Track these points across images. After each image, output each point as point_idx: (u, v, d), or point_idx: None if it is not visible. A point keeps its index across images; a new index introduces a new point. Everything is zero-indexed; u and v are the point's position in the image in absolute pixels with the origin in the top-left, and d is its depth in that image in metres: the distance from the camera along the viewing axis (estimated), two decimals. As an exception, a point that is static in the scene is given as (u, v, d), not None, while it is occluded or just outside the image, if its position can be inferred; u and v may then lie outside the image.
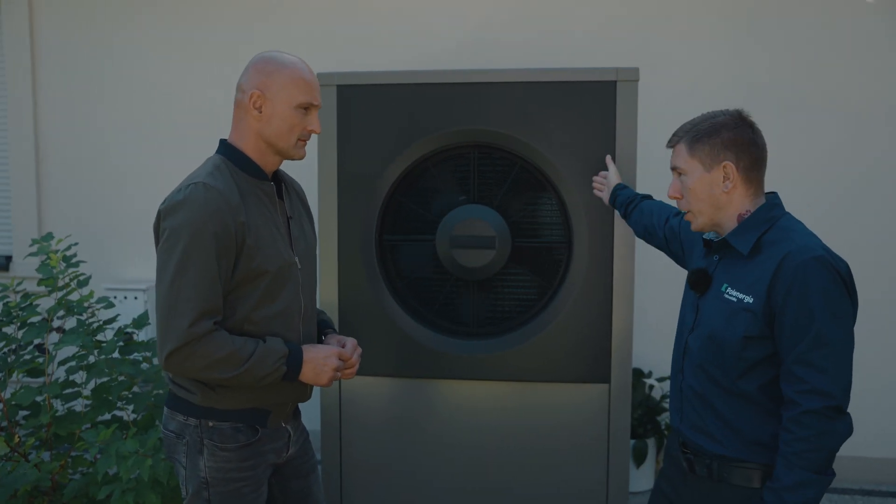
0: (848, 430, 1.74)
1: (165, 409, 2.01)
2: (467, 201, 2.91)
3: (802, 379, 1.72)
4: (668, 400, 3.90)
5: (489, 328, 2.95)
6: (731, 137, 1.85)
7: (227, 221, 1.83)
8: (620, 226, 2.80)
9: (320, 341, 2.14)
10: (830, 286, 1.73)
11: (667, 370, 3.91)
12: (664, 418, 3.91)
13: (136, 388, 2.73)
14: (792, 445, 1.72)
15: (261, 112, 1.92)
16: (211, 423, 1.92)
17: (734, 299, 1.84)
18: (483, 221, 2.84)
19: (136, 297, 4.22)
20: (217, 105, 4.15)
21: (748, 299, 1.81)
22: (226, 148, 1.98)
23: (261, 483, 1.97)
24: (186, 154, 4.20)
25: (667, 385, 3.96)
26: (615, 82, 2.78)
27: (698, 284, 1.94)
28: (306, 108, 1.96)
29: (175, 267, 1.80)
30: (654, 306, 3.89)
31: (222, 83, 4.14)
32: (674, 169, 1.94)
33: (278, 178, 2.07)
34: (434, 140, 2.87)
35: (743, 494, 1.83)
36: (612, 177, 2.68)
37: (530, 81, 2.81)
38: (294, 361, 1.91)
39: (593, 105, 2.78)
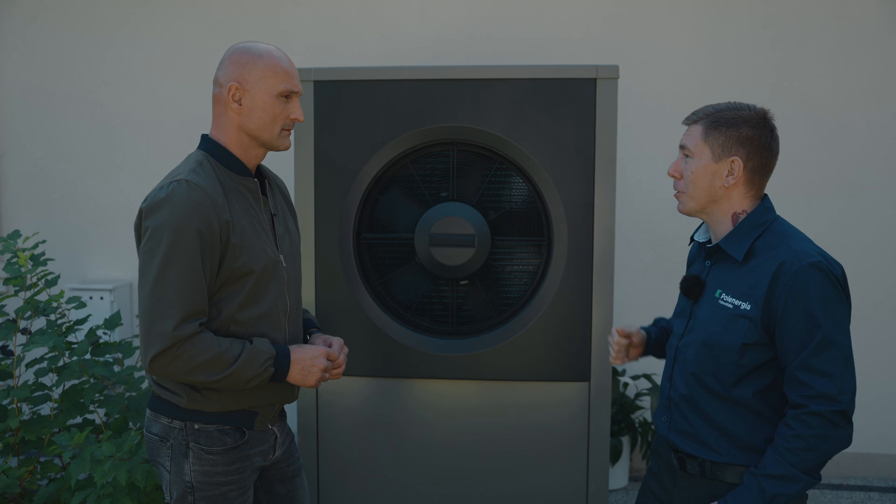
0: (847, 441, 1.73)
1: (148, 411, 1.95)
2: (447, 199, 2.88)
3: (808, 384, 1.71)
4: (642, 398, 3.91)
5: (468, 327, 2.92)
6: (750, 134, 1.82)
7: (212, 219, 1.78)
8: (600, 223, 2.80)
9: (305, 341, 2.10)
10: (829, 291, 1.73)
11: (641, 369, 3.93)
12: (639, 416, 3.93)
13: (108, 391, 2.65)
14: (789, 441, 1.72)
15: (241, 105, 1.87)
16: (197, 426, 1.87)
17: (730, 305, 1.82)
18: (462, 219, 2.82)
19: (101, 298, 4.12)
20: (183, 101, 4.08)
21: (745, 305, 1.79)
22: (207, 143, 1.92)
23: (247, 487, 1.92)
24: (153, 151, 4.14)
25: (641, 383, 3.98)
26: (595, 80, 2.77)
27: (691, 291, 1.92)
28: (287, 95, 1.91)
29: (158, 267, 1.75)
30: (630, 304, 3.90)
31: (188, 77, 4.06)
32: (682, 147, 1.90)
33: (261, 174, 2.02)
34: (413, 137, 2.84)
35: None
36: (632, 330, 2.15)
37: (510, 78, 2.79)
38: (281, 362, 1.87)
39: (573, 102, 2.77)
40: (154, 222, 1.78)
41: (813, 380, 1.71)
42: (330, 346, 2.01)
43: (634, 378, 3.92)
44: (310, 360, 1.91)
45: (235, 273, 1.83)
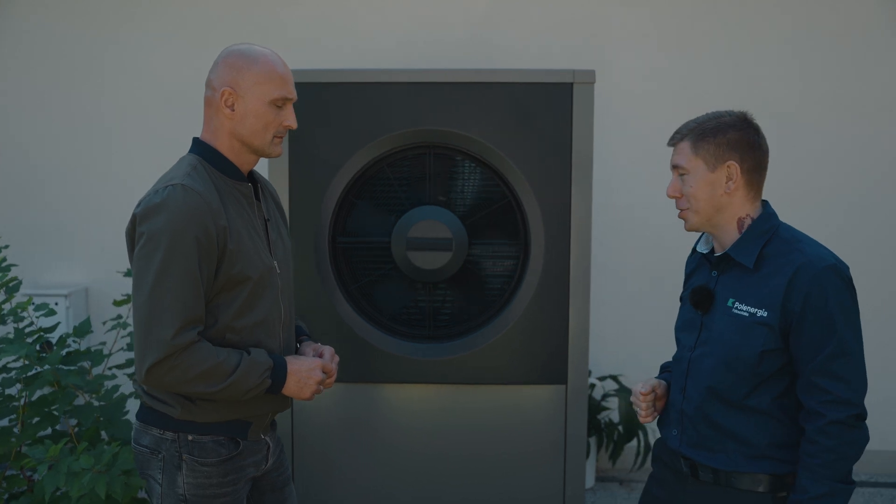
0: (866, 439, 1.77)
1: (137, 422, 1.89)
2: (424, 202, 2.86)
3: (826, 389, 1.73)
4: (609, 399, 3.95)
5: (446, 331, 2.91)
6: (737, 137, 1.83)
7: (209, 225, 1.74)
8: (577, 226, 2.81)
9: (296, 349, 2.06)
10: (846, 296, 1.76)
11: (608, 370, 3.96)
12: (605, 416, 3.96)
13: (77, 401, 2.57)
14: (817, 457, 1.73)
15: (233, 110, 1.82)
16: (191, 437, 1.82)
17: (746, 314, 1.82)
18: (439, 223, 2.81)
19: (56, 304, 4.00)
20: (142, 102, 3.98)
21: (762, 313, 1.79)
22: (200, 147, 1.87)
23: (241, 498, 1.88)
24: (112, 153, 4.03)
25: (608, 384, 4.01)
26: (571, 84, 2.79)
27: (702, 302, 1.90)
28: (281, 103, 1.87)
29: (155, 274, 1.70)
30: (596, 306, 3.94)
31: (148, 78, 3.97)
32: (675, 168, 1.90)
33: (254, 179, 1.98)
34: (389, 140, 2.82)
35: (750, 499, 1.83)
36: (652, 383, 2.03)
37: (487, 82, 2.79)
38: (278, 374, 1.83)
39: (550, 107, 2.78)
40: (150, 228, 1.72)
41: (830, 384, 1.73)
42: (321, 355, 1.98)
43: (601, 379, 3.96)
44: (306, 373, 1.87)
45: (232, 280, 1.79)
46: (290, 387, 1.86)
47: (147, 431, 1.86)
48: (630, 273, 4.01)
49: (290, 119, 1.89)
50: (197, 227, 1.72)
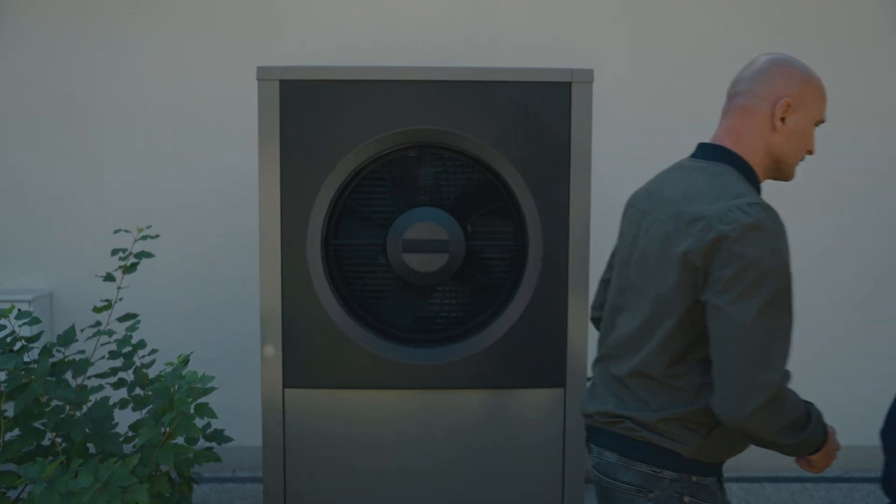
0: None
1: (615, 455, 1.74)
2: (420, 203, 2.80)
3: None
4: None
5: (442, 334, 2.85)
6: None
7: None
8: (575, 227, 2.78)
9: None
10: None
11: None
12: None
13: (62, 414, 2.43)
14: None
15: (784, 123, 1.69)
16: (695, 478, 1.67)
17: None
18: (436, 224, 2.74)
19: (19, 311, 3.82)
20: (101, 102, 3.83)
21: None
22: (735, 159, 1.71)
23: None
24: (74, 151, 3.87)
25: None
26: (570, 83, 2.75)
27: None
28: (818, 125, 1.77)
29: (768, 306, 1.52)
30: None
31: (106, 77, 3.82)
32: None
33: None
34: (384, 140, 2.74)
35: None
36: None
37: (484, 81, 2.73)
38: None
39: (548, 106, 2.74)
40: (753, 252, 1.52)
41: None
42: None
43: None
44: (832, 435, 1.71)
45: None
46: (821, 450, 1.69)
47: (632, 467, 1.70)
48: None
49: (813, 143, 1.76)
50: (788, 255, 1.57)
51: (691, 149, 3.86)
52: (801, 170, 3.98)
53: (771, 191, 3.97)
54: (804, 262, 3.98)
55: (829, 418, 4.05)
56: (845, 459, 4.08)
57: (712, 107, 3.90)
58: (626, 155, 3.91)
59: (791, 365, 4.04)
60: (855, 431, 4.05)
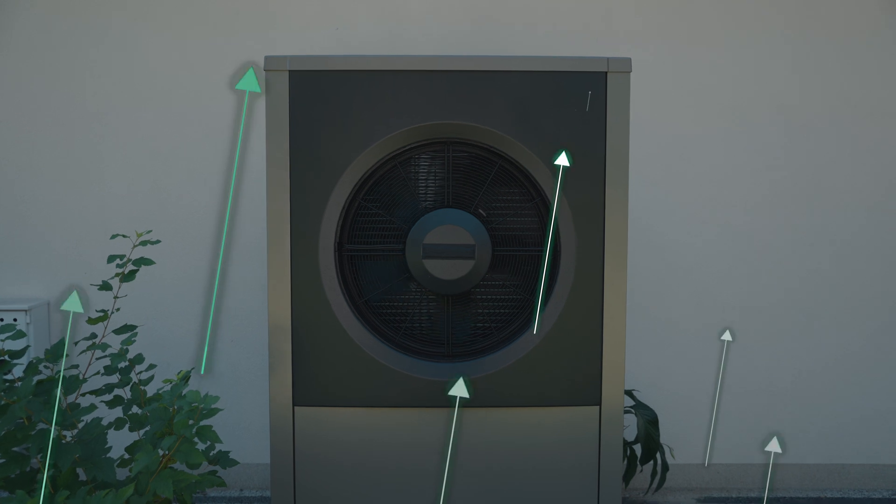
0: None
1: None
2: (443, 205, 2.57)
3: None
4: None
5: (466, 348, 2.61)
6: None
7: None
8: (611, 232, 2.54)
9: None
10: None
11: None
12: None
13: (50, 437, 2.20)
14: None
15: None
16: None
17: None
18: (460, 228, 2.51)
19: (14, 320, 3.61)
20: (92, 99, 3.62)
21: None
22: None
23: None
24: (61, 153, 3.65)
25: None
26: (606, 73, 2.52)
27: None
28: None
29: None
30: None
31: (96, 73, 3.61)
32: None
33: None
34: (403, 135, 2.51)
35: None
36: None
37: (513, 71, 2.51)
38: None
39: (582, 97, 2.51)
40: None
41: None
42: None
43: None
44: None
45: None
46: None
47: None
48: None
49: None
50: None
51: (720, 146, 3.63)
52: (814, 168, 3.75)
53: (780, 190, 3.74)
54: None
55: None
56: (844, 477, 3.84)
57: (743, 100, 3.68)
58: (647, 154, 3.69)
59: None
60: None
